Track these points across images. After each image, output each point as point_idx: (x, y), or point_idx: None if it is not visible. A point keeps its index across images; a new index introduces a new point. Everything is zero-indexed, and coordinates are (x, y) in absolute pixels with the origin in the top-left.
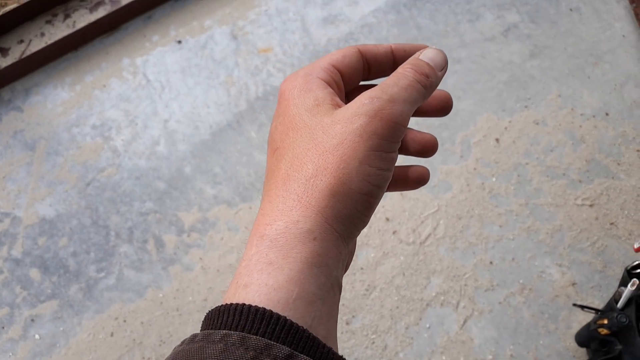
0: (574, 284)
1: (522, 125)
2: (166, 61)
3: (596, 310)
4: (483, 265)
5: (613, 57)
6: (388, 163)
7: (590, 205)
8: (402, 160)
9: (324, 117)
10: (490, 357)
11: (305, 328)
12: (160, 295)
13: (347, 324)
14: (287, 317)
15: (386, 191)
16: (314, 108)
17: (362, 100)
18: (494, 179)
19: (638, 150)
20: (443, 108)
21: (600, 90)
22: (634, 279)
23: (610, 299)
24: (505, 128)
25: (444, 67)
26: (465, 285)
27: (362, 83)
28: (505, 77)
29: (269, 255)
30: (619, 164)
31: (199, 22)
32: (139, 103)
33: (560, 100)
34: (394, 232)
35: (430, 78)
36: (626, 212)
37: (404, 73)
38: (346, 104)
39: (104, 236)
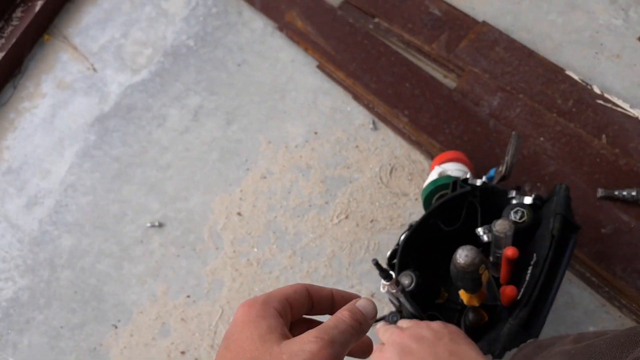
0: (373, 294)
1: (253, 187)
2: None
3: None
4: None
5: (295, 83)
6: None
7: (346, 217)
8: None
9: (274, 345)
10: None
11: None
12: None
13: None
14: None
15: None
16: (266, 335)
17: (308, 338)
18: (255, 250)
19: (356, 147)
20: (366, 351)
21: (299, 117)
22: (383, 282)
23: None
24: (241, 198)
25: (374, 316)
26: None
27: (304, 316)
28: (216, 155)
29: None
30: (348, 167)
31: None
32: None
33: (272, 145)
34: None
35: (363, 325)
36: (377, 204)
37: (342, 318)
38: (290, 332)
39: None
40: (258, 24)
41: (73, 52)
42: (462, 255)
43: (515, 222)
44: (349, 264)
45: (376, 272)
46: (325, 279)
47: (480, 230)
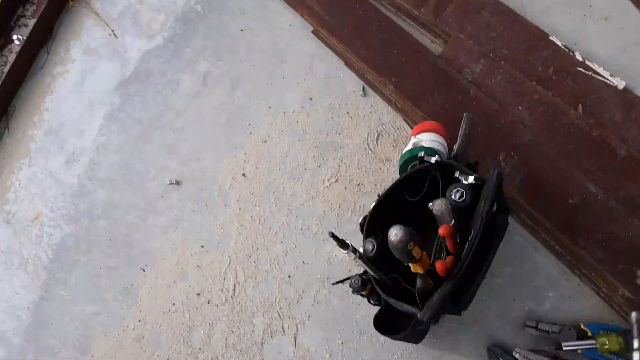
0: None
1: (255, 150)
2: None
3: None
4: (285, 282)
5: (292, 48)
6: None
7: (336, 181)
8: None
9: None
10: (327, 355)
11: None
12: None
13: None
14: None
15: None
16: None
17: None
18: (257, 208)
19: (347, 113)
20: None
21: (295, 83)
22: (350, 252)
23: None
24: (245, 160)
25: None
26: (280, 308)
27: None
28: (223, 119)
29: None
30: (339, 133)
31: None
32: None
33: (271, 110)
34: (209, 302)
35: None
36: (364, 169)
37: None
38: None
39: None
40: None
41: (95, 18)
42: (393, 234)
43: (455, 202)
44: (337, 224)
45: (359, 231)
46: (317, 236)
47: (431, 205)
